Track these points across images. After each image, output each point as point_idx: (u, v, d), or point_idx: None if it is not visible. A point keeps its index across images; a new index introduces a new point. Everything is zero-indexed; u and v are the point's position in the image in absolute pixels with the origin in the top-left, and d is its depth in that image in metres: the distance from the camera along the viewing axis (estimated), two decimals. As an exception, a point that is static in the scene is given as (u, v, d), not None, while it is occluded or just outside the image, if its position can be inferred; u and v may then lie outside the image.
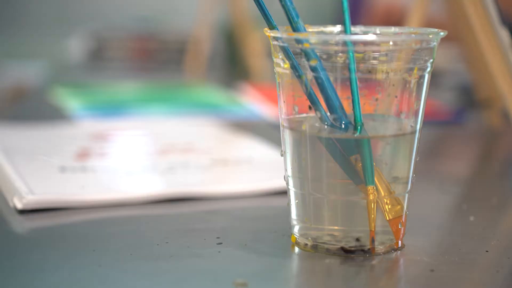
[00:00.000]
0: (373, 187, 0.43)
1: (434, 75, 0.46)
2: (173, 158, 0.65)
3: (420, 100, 0.44)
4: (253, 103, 1.04)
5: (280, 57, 0.44)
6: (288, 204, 0.46)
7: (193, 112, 0.96)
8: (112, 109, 0.95)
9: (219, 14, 1.61)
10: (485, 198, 0.57)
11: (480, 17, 0.66)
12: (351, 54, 0.42)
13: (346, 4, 0.48)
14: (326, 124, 0.44)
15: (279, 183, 0.54)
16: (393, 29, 0.49)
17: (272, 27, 0.45)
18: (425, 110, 0.45)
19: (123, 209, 0.52)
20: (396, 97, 0.43)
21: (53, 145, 0.70)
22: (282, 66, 0.44)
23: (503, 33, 0.65)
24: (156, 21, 2.10)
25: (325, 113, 0.44)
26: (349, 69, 0.42)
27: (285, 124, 0.45)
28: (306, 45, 0.42)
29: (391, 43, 0.42)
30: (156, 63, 1.80)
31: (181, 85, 1.21)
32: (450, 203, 0.57)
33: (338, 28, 0.49)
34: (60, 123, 0.83)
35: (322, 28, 0.50)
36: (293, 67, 0.43)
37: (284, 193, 0.46)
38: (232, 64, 1.62)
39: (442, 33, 0.43)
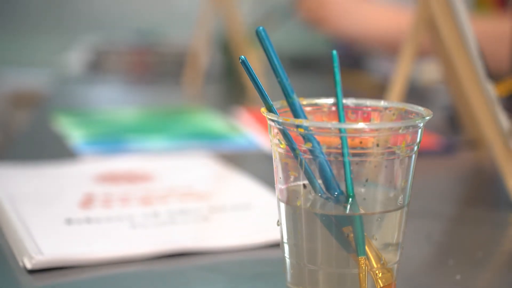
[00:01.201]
0: (364, 258, 0.46)
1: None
2: (173, 205, 0.68)
3: (407, 178, 0.47)
4: (249, 130, 1.07)
5: (277, 138, 0.47)
6: (284, 270, 0.49)
7: (191, 143, 0.98)
8: (113, 142, 0.97)
9: (217, 28, 1.64)
10: (471, 251, 0.60)
11: (468, 70, 0.69)
12: (343, 139, 0.45)
13: (338, 78, 0.51)
14: (321, 196, 0.47)
15: (275, 235, 0.57)
16: (382, 102, 0.52)
17: (269, 106, 0.48)
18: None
19: (126, 266, 0.55)
20: (384, 177, 0.46)
21: (57, 190, 0.72)
22: (279, 146, 0.47)
23: (489, 86, 0.67)
24: (154, 34, 2.12)
25: (319, 186, 0.47)
26: (342, 153, 0.45)
27: (280, 198, 0.48)
28: (301, 130, 0.45)
29: (380, 132, 0.44)
30: (154, 75, 1.82)
31: (179, 111, 1.23)
32: (437, 258, 0.60)
33: (330, 100, 0.52)
34: (62, 161, 0.86)
35: (315, 100, 0.52)
36: (291, 148, 0.46)
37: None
38: (229, 78, 1.64)
39: (428, 117, 0.46)
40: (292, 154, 0.46)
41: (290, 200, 0.47)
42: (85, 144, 0.96)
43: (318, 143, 0.45)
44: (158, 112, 1.23)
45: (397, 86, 0.78)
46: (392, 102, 0.51)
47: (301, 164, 0.46)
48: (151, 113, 1.21)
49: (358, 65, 1.78)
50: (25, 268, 0.54)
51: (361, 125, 0.44)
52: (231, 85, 1.62)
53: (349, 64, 1.77)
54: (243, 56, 0.47)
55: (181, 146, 0.97)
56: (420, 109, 0.49)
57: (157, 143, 0.99)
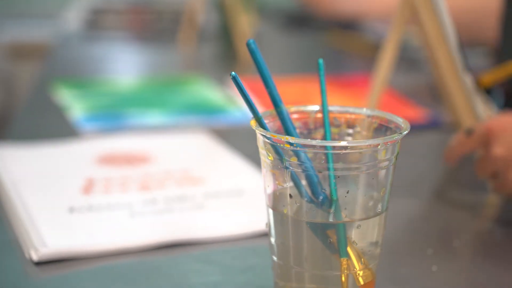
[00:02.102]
0: (347, 259, 0.50)
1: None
2: (170, 190, 0.72)
3: (386, 187, 0.50)
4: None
5: (265, 149, 0.50)
6: (272, 268, 0.53)
7: (188, 118, 1.02)
8: (112, 118, 1.01)
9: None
10: (449, 240, 0.65)
11: (448, 62, 0.72)
12: (329, 155, 0.48)
13: (324, 86, 0.55)
14: (306, 200, 0.51)
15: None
16: (365, 110, 0.55)
17: (257, 118, 0.51)
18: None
19: (125, 257, 0.60)
20: (364, 187, 0.50)
21: (59, 174, 0.76)
22: (267, 157, 0.50)
23: (467, 78, 0.71)
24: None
25: (305, 191, 0.51)
26: (328, 168, 0.48)
27: (268, 203, 0.52)
28: (287, 146, 0.48)
29: (360, 149, 0.48)
30: (151, 33, 1.84)
31: (176, 81, 1.26)
32: (416, 246, 0.64)
33: (316, 107, 0.55)
34: (64, 137, 0.89)
35: (301, 108, 0.56)
36: (279, 158, 0.49)
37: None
38: (224, 38, 1.67)
39: (406, 132, 0.50)
40: (279, 166, 0.49)
41: (277, 206, 0.51)
42: (85, 119, 1.00)
43: (306, 156, 0.48)
44: (156, 82, 1.26)
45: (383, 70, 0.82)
46: (374, 110, 0.55)
47: (289, 174, 0.49)
48: (149, 83, 1.24)
49: (352, 26, 1.80)
50: (31, 259, 0.58)
51: (343, 143, 0.47)
52: (225, 45, 1.65)
53: (343, 26, 1.79)
54: (233, 73, 0.50)
55: (178, 121, 1.01)
56: (400, 120, 0.52)
57: (155, 118, 1.02)
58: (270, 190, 0.51)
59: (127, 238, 0.61)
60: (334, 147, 0.48)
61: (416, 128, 1.00)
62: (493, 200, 0.74)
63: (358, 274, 0.51)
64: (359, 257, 0.51)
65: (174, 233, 0.62)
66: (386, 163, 0.49)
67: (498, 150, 0.68)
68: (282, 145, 0.48)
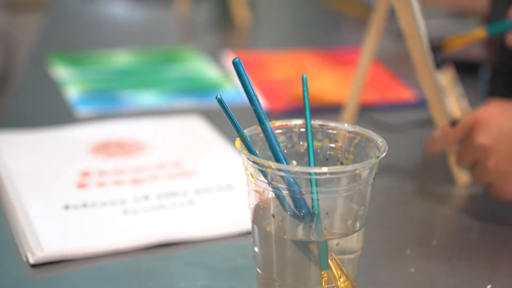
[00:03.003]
0: (328, 272, 0.53)
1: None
2: (162, 185, 0.74)
3: (364, 206, 0.53)
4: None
5: (249, 171, 0.52)
6: (257, 277, 0.56)
7: (182, 99, 1.04)
8: (107, 100, 1.03)
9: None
10: (427, 239, 0.67)
11: (420, 61, 0.75)
12: (312, 180, 0.50)
13: (307, 101, 0.56)
14: (289, 214, 0.53)
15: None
16: (346, 125, 0.57)
17: (242, 138, 0.53)
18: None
19: (117, 257, 0.63)
20: (343, 207, 0.52)
21: (55, 166, 0.79)
22: (250, 177, 0.52)
23: (437, 75, 0.74)
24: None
25: (289, 206, 0.53)
26: (311, 192, 0.51)
27: (252, 219, 0.54)
28: (270, 170, 0.51)
29: (340, 174, 0.50)
30: (147, 2, 1.84)
31: (171, 56, 1.27)
32: (396, 247, 0.67)
33: (299, 121, 0.58)
34: (60, 120, 0.92)
35: (286, 122, 0.58)
36: (263, 179, 0.52)
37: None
38: (219, 1, 1.67)
39: (383, 155, 0.52)
40: (263, 186, 0.52)
41: (260, 223, 0.53)
42: (80, 100, 1.02)
43: (289, 178, 0.51)
44: (151, 56, 1.27)
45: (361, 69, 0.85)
46: (355, 126, 0.57)
47: (272, 195, 0.52)
48: (143, 57, 1.25)
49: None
50: (28, 261, 0.61)
51: (324, 169, 0.49)
52: (220, 9, 1.65)
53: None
54: (219, 96, 0.52)
55: (172, 103, 1.03)
56: (379, 140, 0.54)
57: (150, 98, 1.04)
58: (253, 207, 0.54)
59: (120, 239, 0.64)
60: (316, 173, 0.50)
61: (403, 107, 1.03)
62: (472, 193, 0.77)
63: (339, 286, 0.54)
64: (340, 269, 0.54)
65: (165, 234, 0.65)
66: (364, 184, 0.52)
67: (481, 138, 0.71)
68: (265, 168, 0.51)
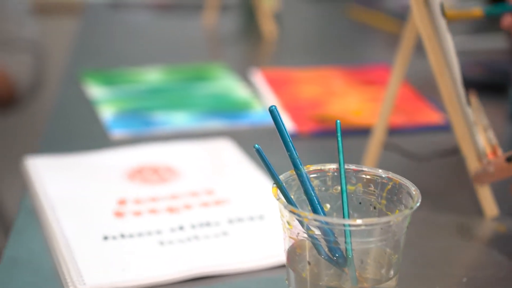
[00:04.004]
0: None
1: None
2: (196, 214, 0.77)
3: (398, 254, 0.55)
4: (267, 99, 1.15)
5: (286, 219, 0.54)
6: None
7: (212, 120, 1.06)
8: (140, 120, 1.06)
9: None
10: (457, 277, 0.69)
11: (450, 96, 0.76)
12: (347, 231, 0.52)
13: (341, 145, 0.58)
14: (323, 257, 0.55)
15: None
16: (379, 171, 0.59)
17: (279, 185, 0.55)
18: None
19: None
20: (377, 256, 0.54)
21: (92, 192, 0.82)
22: (287, 225, 0.55)
23: (469, 111, 0.75)
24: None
25: (323, 250, 0.55)
26: (346, 242, 0.53)
27: (287, 263, 0.56)
28: (306, 220, 0.53)
29: (375, 225, 0.52)
30: (175, 9, 1.87)
31: (200, 74, 1.30)
32: (424, 284, 0.68)
33: (334, 165, 0.60)
34: (95, 141, 0.95)
35: (320, 167, 0.60)
36: (300, 227, 0.54)
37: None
38: (246, 12, 1.69)
39: (416, 205, 0.54)
40: (299, 234, 0.54)
41: (295, 268, 0.55)
42: (114, 121, 1.04)
43: (326, 230, 0.53)
44: (180, 73, 1.29)
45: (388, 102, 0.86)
46: (388, 172, 0.59)
47: (309, 243, 0.54)
48: (173, 75, 1.28)
49: (374, 4, 1.81)
50: (71, 294, 0.64)
51: (358, 222, 0.51)
52: (248, 20, 1.67)
53: (366, 3, 1.80)
54: (257, 146, 0.54)
55: (202, 124, 1.05)
56: (412, 189, 0.56)
57: (180, 119, 1.07)
58: (289, 251, 0.56)
59: (158, 272, 0.66)
60: (350, 225, 0.52)
61: (430, 130, 1.04)
62: (501, 226, 0.79)
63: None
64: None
65: (201, 267, 0.67)
66: (398, 233, 0.54)
67: None
68: (302, 218, 0.53)
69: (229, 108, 1.12)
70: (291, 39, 1.65)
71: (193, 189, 0.83)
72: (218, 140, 0.99)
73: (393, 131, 1.02)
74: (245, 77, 1.28)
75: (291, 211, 0.53)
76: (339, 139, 0.58)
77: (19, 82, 1.70)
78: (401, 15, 1.69)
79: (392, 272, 0.55)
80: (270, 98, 1.16)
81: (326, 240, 0.54)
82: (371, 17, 1.78)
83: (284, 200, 0.54)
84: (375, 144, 0.89)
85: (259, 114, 1.10)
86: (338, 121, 0.59)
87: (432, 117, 1.09)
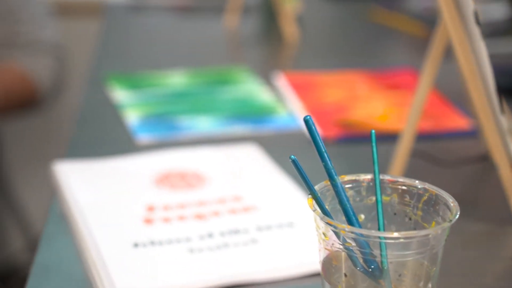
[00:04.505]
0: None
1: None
2: (225, 221, 0.77)
3: (436, 266, 0.54)
4: (291, 103, 1.14)
5: (321, 231, 0.54)
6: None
7: (237, 124, 1.06)
8: (165, 124, 1.06)
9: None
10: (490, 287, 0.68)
11: (482, 105, 0.75)
12: (382, 244, 0.52)
13: (376, 156, 0.58)
14: (358, 269, 0.55)
15: (316, 266, 0.65)
16: (416, 182, 0.58)
17: (315, 196, 0.55)
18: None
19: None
20: (415, 269, 0.54)
21: (122, 200, 0.82)
22: (322, 236, 0.54)
23: (503, 119, 0.74)
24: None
25: (359, 262, 0.55)
26: (381, 255, 0.52)
27: (322, 274, 0.56)
28: (343, 232, 0.52)
29: (412, 238, 0.52)
30: (196, 12, 1.87)
31: (223, 78, 1.29)
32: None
33: (369, 176, 0.59)
34: (122, 146, 0.95)
35: (355, 177, 0.59)
36: (337, 237, 0.53)
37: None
38: (268, 15, 1.69)
39: (455, 218, 0.53)
40: (335, 245, 0.54)
41: (331, 280, 0.55)
42: (139, 126, 1.04)
43: (362, 242, 0.52)
44: (203, 76, 1.29)
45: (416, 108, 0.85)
46: (424, 183, 0.58)
47: (345, 255, 0.54)
48: (197, 80, 1.28)
49: (396, 6, 1.80)
50: (103, 302, 0.64)
51: (396, 234, 0.51)
52: (269, 23, 1.67)
53: (388, 5, 1.80)
54: (293, 156, 0.54)
55: (227, 129, 1.05)
56: (450, 200, 0.55)
57: (205, 124, 1.06)
58: (324, 263, 0.56)
59: (188, 280, 0.66)
60: (386, 237, 0.52)
61: (457, 136, 1.04)
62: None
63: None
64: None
65: (231, 275, 0.67)
66: (436, 247, 0.53)
67: None
68: (339, 230, 0.52)
69: (253, 113, 1.12)
70: (313, 42, 1.64)
71: (220, 196, 0.83)
72: (244, 145, 0.98)
73: (419, 136, 1.01)
74: (268, 81, 1.27)
75: (327, 223, 0.53)
76: (374, 149, 0.58)
77: (41, 85, 1.70)
78: (423, 17, 1.69)
79: (430, 285, 0.54)
80: (294, 103, 1.16)
81: (361, 252, 0.53)
82: (393, 19, 1.77)
83: (320, 212, 0.54)
84: (402, 151, 0.88)
85: (283, 119, 1.10)
86: (373, 131, 0.58)
87: (459, 122, 1.08)
